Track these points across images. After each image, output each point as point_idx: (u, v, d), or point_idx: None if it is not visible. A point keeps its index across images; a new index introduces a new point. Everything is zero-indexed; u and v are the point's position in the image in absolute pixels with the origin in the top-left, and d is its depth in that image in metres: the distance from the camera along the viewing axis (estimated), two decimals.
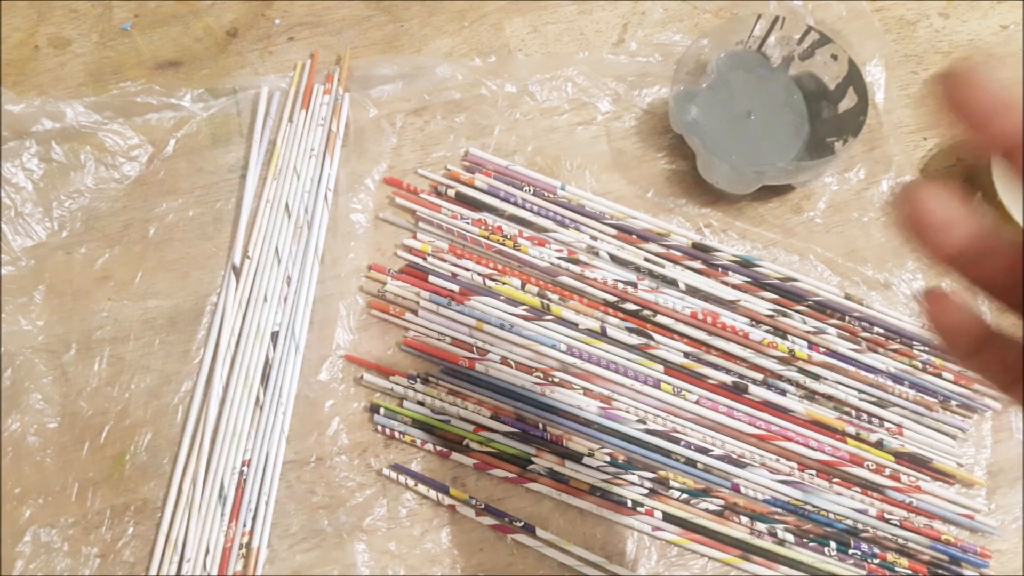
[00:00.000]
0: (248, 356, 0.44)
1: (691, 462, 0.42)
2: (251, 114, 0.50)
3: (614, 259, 0.47)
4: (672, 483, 0.42)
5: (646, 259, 0.46)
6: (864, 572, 0.41)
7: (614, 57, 0.52)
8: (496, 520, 0.41)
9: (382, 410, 0.43)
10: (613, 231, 0.47)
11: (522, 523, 0.41)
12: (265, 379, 0.43)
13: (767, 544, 0.41)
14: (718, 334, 0.45)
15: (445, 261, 0.46)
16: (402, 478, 0.42)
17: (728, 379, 0.44)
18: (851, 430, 0.44)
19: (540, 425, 0.43)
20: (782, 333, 0.45)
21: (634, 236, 0.47)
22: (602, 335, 0.45)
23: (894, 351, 0.45)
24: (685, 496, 0.42)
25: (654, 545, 0.41)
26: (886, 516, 0.42)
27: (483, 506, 0.41)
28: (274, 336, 0.44)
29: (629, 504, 0.42)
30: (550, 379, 0.44)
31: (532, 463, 0.42)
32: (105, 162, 0.48)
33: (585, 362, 0.44)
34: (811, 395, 0.45)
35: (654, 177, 0.50)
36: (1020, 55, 0.53)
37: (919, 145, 0.51)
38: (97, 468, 0.42)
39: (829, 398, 0.44)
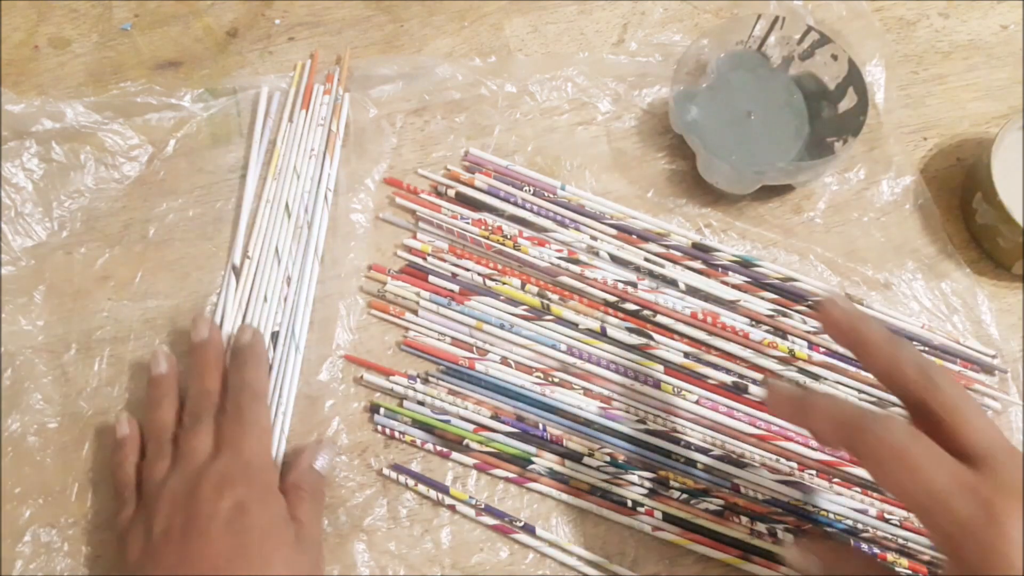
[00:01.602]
0: None
1: (691, 462, 0.42)
2: (251, 114, 0.50)
3: (614, 259, 0.47)
4: (672, 483, 0.42)
5: (646, 259, 0.46)
6: None
7: (614, 57, 0.52)
8: (496, 520, 0.41)
9: (382, 410, 0.43)
10: (613, 231, 0.47)
11: (522, 523, 0.41)
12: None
13: (767, 544, 0.41)
14: (718, 334, 0.45)
15: (445, 261, 0.46)
16: (402, 478, 0.42)
17: (728, 379, 0.44)
18: None
19: (540, 425, 0.43)
20: (782, 333, 0.45)
21: (634, 236, 0.47)
22: (602, 335, 0.45)
23: None
24: (685, 496, 0.42)
25: (654, 545, 0.41)
26: (886, 516, 0.42)
27: (483, 506, 0.41)
28: (274, 336, 0.44)
29: (629, 504, 0.42)
30: (550, 379, 0.44)
31: (532, 463, 0.42)
32: (105, 162, 0.48)
33: (585, 362, 0.44)
34: None
35: (654, 177, 0.50)
36: (1020, 55, 0.53)
37: (919, 145, 0.51)
38: (97, 468, 0.42)
39: None
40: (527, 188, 0.48)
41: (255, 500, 0.36)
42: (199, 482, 0.36)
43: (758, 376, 0.44)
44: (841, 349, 0.45)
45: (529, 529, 0.41)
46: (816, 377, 0.44)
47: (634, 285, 0.46)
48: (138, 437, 0.40)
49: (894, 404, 0.44)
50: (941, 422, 0.30)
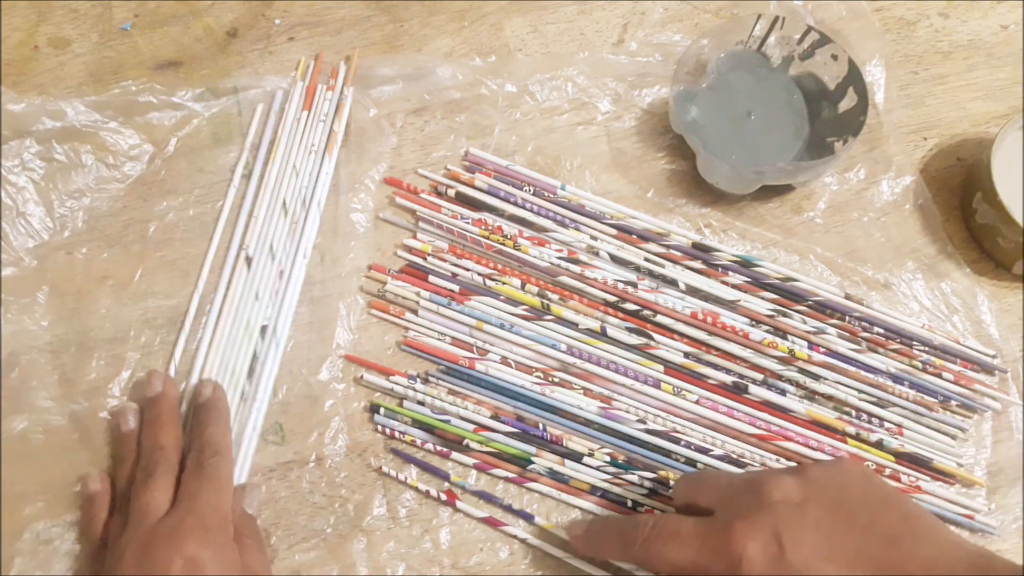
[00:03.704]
0: (236, 350, 0.44)
1: (691, 462, 0.42)
2: (252, 114, 0.50)
3: (614, 259, 0.47)
4: (672, 483, 0.42)
5: (646, 259, 0.46)
6: None
7: (614, 57, 0.52)
8: (492, 510, 0.41)
9: (382, 410, 0.43)
10: (613, 231, 0.47)
11: (519, 511, 0.41)
12: (251, 373, 0.43)
13: None
14: (718, 334, 0.45)
15: (445, 261, 0.46)
16: (402, 475, 0.42)
17: (728, 379, 0.44)
18: (851, 430, 0.44)
19: (540, 425, 0.43)
20: (782, 333, 0.45)
21: (634, 236, 0.47)
22: (602, 335, 0.45)
23: (894, 351, 0.45)
24: None
25: None
26: None
27: (481, 492, 0.42)
28: (263, 330, 0.44)
29: (629, 504, 0.42)
30: (550, 379, 0.44)
31: (532, 463, 0.42)
32: (106, 161, 0.48)
33: (585, 362, 0.44)
34: (811, 395, 0.45)
35: (654, 177, 0.50)
36: (1020, 55, 0.53)
37: (919, 145, 0.51)
38: (98, 467, 0.42)
39: (829, 398, 0.44)
40: (527, 188, 0.48)
41: (209, 555, 0.35)
42: (150, 540, 0.35)
43: (758, 376, 0.44)
44: (841, 349, 0.45)
45: (527, 516, 0.41)
46: (816, 377, 0.44)
47: (634, 285, 0.46)
48: (109, 493, 0.40)
49: (895, 404, 0.44)
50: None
